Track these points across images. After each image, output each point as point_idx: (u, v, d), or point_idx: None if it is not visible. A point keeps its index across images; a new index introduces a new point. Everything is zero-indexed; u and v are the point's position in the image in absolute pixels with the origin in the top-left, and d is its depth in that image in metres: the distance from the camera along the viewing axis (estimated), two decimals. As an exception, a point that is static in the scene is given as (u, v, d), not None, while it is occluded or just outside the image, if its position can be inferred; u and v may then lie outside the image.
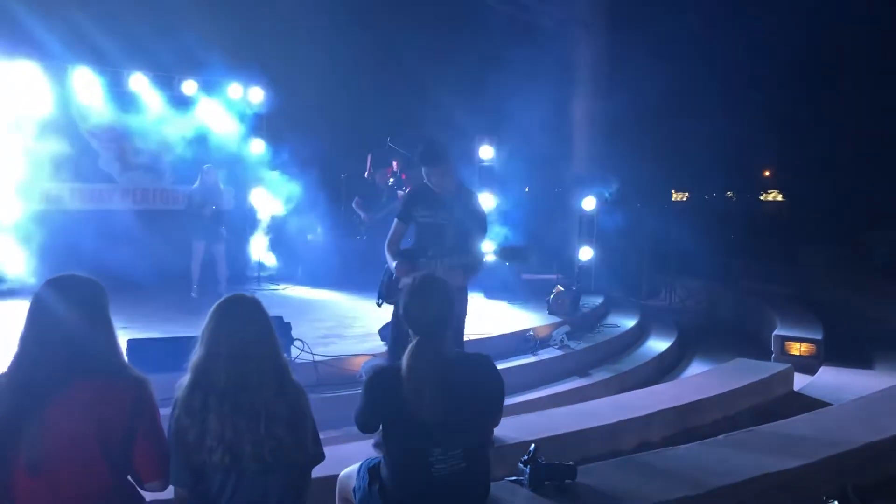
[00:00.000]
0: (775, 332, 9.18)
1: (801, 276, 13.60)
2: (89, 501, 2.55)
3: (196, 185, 10.03)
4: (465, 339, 5.06)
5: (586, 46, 12.99)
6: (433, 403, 2.96)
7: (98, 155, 11.06)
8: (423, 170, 4.93)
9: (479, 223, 4.96)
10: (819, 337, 8.97)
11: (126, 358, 2.85)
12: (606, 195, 12.03)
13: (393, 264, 4.88)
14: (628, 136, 14.94)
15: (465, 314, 4.99)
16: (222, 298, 2.85)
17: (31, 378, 2.54)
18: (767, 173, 34.44)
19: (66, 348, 2.58)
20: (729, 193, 34.81)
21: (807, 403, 6.91)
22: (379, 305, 5.06)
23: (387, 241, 5.03)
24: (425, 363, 3.00)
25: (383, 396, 3.07)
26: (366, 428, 3.23)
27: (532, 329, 8.46)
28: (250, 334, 2.75)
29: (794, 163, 27.13)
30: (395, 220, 5.11)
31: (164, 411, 2.74)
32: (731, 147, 24.16)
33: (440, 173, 4.89)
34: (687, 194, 32.82)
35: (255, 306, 2.82)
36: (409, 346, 3.07)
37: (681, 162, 22.22)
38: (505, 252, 4.85)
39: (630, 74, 13.50)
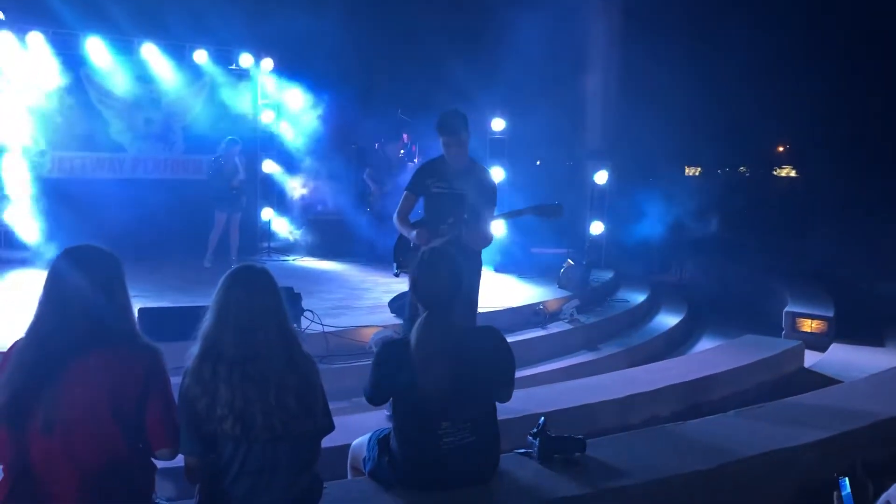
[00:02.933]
0: (786, 309, 9.14)
1: (814, 253, 13.51)
2: (103, 465, 2.58)
3: (222, 156, 9.99)
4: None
5: (601, 18, 12.83)
6: (442, 377, 2.96)
7: (109, 124, 11.05)
8: (441, 139, 4.89)
9: (491, 196, 4.97)
10: (830, 314, 8.93)
11: (138, 327, 2.86)
12: None
13: (413, 233, 4.87)
14: (641, 110, 14.80)
15: (479, 283, 5.00)
16: (232, 268, 2.86)
17: (47, 345, 2.58)
18: (781, 149, 34.17)
19: (83, 318, 2.61)
20: (742, 168, 34.60)
21: (817, 380, 6.89)
22: (396, 276, 5.06)
23: (396, 212, 5.04)
24: (434, 337, 3.00)
25: (392, 370, 3.07)
26: (375, 401, 3.24)
27: (542, 303, 8.45)
28: (259, 305, 2.74)
29: (808, 138, 26.88)
30: (405, 191, 5.09)
31: (176, 380, 2.75)
32: (745, 122, 23.94)
33: (458, 143, 4.86)
34: (699, 169, 32.63)
35: (265, 277, 2.82)
36: (419, 320, 3.07)
37: (694, 136, 22.03)
38: (539, 209, 4.82)
39: (645, 48, 13.34)
